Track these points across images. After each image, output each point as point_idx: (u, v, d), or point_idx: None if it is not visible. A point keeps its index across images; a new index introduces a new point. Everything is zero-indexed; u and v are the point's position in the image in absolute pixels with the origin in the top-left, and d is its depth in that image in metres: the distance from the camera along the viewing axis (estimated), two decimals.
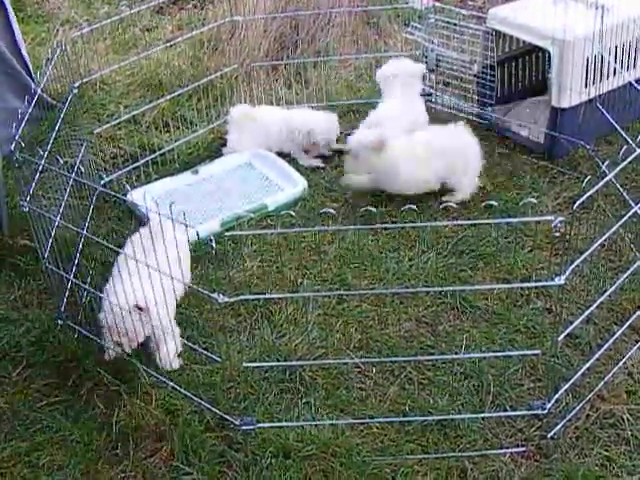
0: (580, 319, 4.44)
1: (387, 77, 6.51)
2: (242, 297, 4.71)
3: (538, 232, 5.47)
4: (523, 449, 4.24)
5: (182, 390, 4.55)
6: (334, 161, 6.46)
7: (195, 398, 4.49)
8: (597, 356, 4.59)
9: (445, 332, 4.91)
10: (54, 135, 5.52)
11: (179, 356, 4.76)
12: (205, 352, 4.59)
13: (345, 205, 5.95)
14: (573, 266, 4.14)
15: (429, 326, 4.96)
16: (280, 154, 6.52)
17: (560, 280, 4.01)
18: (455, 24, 6.63)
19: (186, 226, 4.16)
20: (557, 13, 5.82)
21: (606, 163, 4.57)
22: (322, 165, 6.44)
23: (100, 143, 6.54)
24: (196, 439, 4.31)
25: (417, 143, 5.89)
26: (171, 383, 4.59)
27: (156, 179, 6.31)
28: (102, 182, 6.11)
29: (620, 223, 4.53)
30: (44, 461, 4.33)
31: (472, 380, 4.59)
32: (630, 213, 4.55)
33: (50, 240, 5.02)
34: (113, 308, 4.50)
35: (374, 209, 4.18)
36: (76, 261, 5.32)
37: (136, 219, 5.83)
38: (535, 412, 4.33)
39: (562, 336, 4.27)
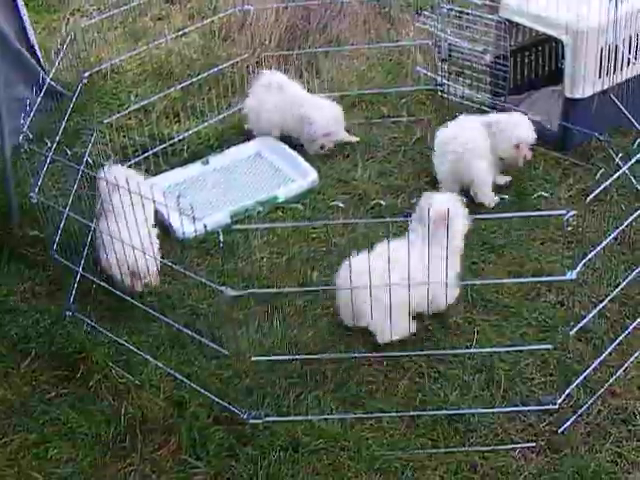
0: (592, 313, 4.43)
1: None
2: (250, 291, 4.67)
3: (550, 224, 5.43)
4: (533, 444, 4.21)
5: (190, 383, 4.53)
6: (345, 151, 6.40)
7: (203, 391, 4.48)
8: (609, 350, 4.57)
9: (456, 325, 4.87)
10: (63, 125, 5.51)
11: None
12: (214, 345, 4.56)
13: (356, 197, 5.91)
14: (585, 260, 4.10)
15: (439, 319, 4.92)
16: (290, 142, 6.49)
17: (572, 275, 3.97)
18: (468, 13, 6.58)
19: (194, 218, 4.14)
20: (571, 3, 5.76)
21: (620, 155, 4.52)
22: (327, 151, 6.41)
23: (110, 133, 6.50)
24: (204, 432, 4.30)
25: None
26: (179, 376, 4.58)
27: (166, 169, 6.28)
28: None
29: (634, 216, 4.49)
30: (52, 453, 4.32)
31: (483, 374, 4.56)
32: None
33: (59, 231, 5.01)
34: None
35: (383, 202, 4.16)
36: (85, 252, 5.30)
37: None
38: (546, 407, 4.29)
39: (574, 331, 4.24)
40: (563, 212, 3.89)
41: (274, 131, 6.52)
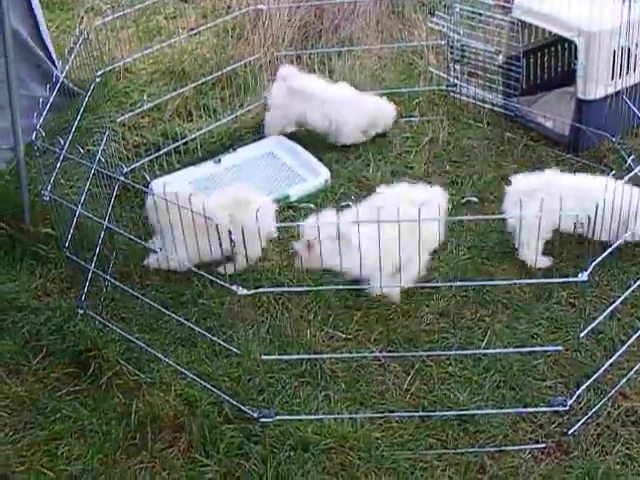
0: (603, 315, 4.41)
1: None
2: (261, 290, 4.69)
3: None
4: (543, 445, 4.21)
5: (201, 381, 4.55)
6: (357, 151, 6.40)
7: (214, 389, 4.50)
8: (620, 352, 4.56)
9: (466, 326, 4.87)
10: (76, 124, 5.52)
11: None
12: (224, 344, 4.58)
13: (367, 195, 5.89)
14: (597, 261, 4.10)
15: (450, 319, 4.92)
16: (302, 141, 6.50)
17: (583, 276, 3.97)
18: (480, 14, 6.58)
19: (206, 217, 4.15)
20: (583, 4, 5.75)
21: (632, 156, 4.52)
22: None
23: (123, 132, 6.53)
24: (214, 431, 4.31)
25: None
26: (190, 374, 4.59)
27: (179, 168, 6.30)
28: (124, 171, 6.08)
29: None
30: (63, 450, 4.34)
31: (493, 375, 4.56)
32: None
33: (71, 229, 5.02)
34: None
35: None
36: (97, 250, 5.31)
37: None
38: (556, 408, 4.29)
39: (584, 333, 4.23)
40: (575, 213, 3.89)
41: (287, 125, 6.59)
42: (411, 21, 7.95)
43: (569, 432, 4.24)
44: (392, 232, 4.30)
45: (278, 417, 4.34)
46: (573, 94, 6.17)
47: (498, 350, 4.63)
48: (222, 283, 4.23)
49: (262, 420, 4.33)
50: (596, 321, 4.34)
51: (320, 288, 5.11)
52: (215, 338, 4.66)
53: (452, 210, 5.57)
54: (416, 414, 4.38)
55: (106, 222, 5.32)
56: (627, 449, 4.17)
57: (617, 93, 5.99)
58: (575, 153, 6.14)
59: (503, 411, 4.35)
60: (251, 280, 5.11)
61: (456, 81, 6.87)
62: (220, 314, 5.01)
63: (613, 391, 4.42)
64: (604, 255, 4.21)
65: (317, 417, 4.37)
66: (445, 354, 4.67)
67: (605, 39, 5.78)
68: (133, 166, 6.25)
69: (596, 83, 5.90)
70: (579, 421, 4.27)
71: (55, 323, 5.02)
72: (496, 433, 4.28)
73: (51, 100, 5.32)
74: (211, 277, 4.52)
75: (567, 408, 4.28)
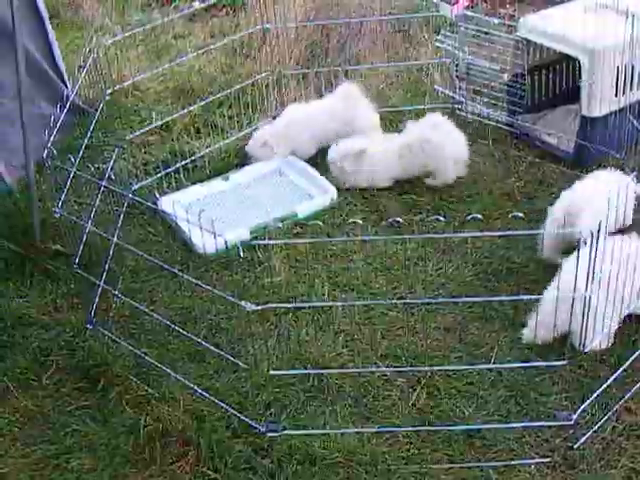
0: (607, 330, 4.43)
1: None
2: (269, 305, 4.73)
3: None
4: (549, 460, 4.22)
5: (209, 396, 4.58)
6: None
7: (222, 404, 4.53)
8: (624, 367, 4.58)
9: (472, 341, 4.90)
10: (86, 142, 5.58)
11: None
12: (233, 359, 4.62)
13: (374, 213, 5.95)
14: (601, 276, 4.13)
15: (456, 335, 4.96)
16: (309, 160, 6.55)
17: (587, 292, 4.01)
18: (486, 32, 6.63)
19: (215, 234, 4.19)
20: (587, 22, 5.81)
21: (634, 173, 4.55)
22: None
23: (132, 149, 6.59)
24: (222, 445, 4.33)
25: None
26: (198, 389, 4.63)
27: (187, 186, 6.35)
28: (133, 189, 6.14)
29: None
30: (73, 464, 4.37)
31: (499, 390, 4.59)
32: None
33: (81, 246, 5.07)
34: None
35: (401, 219, 4.20)
36: (107, 266, 5.37)
37: (166, 225, 5.90)
38: (561, 423, 4.32)
39: (589, 347, 4.27)
40: (579, 230, 3.93)
41: None
42: (417, 40, 8.02)
43: (574, 446, 4.26)
44: None
45: (286, 431, 4.37)
46: (577, 111, 6.21)
47: (504, 365, 4.66)
48: (231, 299, 4.27)
49: (270, 434, 4.35)
50: (601, 336, 4.37)
51: (328, 304, 5.16)
52: (223, 353, 4.70)
53: (457, 227, 5.62)
54: (422, 429, 4.41)
55: (115, 239, 5.37)
56: (632, 462, 4.19)
57: (621, 110, 6.04)
58: (580, 170, 6.16)
59: (509, 426, 4.38)
60: (259, 296, 5.17)
61: (461, 99, 6.92)
62: (228, 330, 5.05)
63: (617, 405, 4.44)
64: (608, 271, 4.25)
65: (324, 432, 4.40)
66: (451, 369, 4.70)
67: (609, 56, 5.82)
68: (142, 183, 6.31)
69: (600, 100, 5.95)
70: (584, 435, 4.29)
71: (65, 339, 5.07)
72: (502, 447, 4.30)
73: (61, 119, 5.38)
74: (220, 293, 4.57)
75: (572, 422, 4.30)
